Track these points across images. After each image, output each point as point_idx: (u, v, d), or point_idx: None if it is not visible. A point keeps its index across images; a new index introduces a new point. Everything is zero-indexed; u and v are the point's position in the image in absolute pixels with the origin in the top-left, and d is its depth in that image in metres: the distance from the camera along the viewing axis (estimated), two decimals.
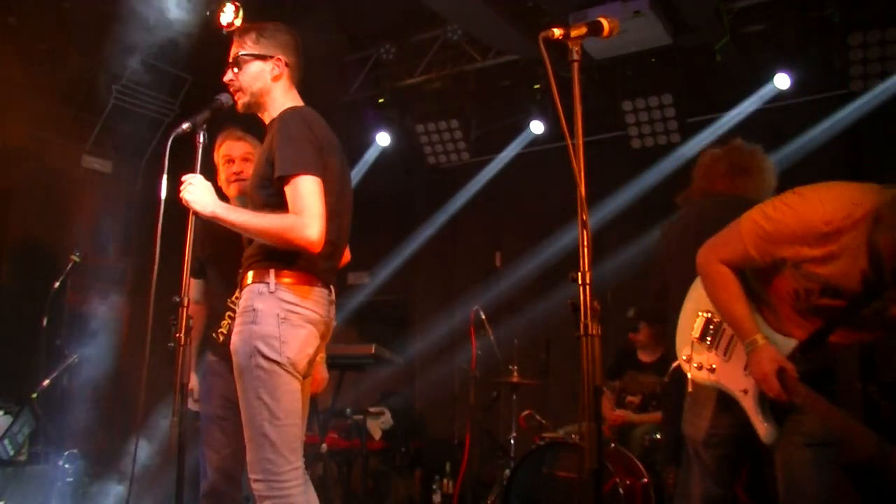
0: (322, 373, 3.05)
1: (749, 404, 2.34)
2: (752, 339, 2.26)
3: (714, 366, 2.45)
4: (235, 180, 3.14)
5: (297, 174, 2.28)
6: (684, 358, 2.55)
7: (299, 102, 2.54)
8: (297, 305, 2.36)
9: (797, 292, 2.22)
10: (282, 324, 2.33)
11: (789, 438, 2.35)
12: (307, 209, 2.27)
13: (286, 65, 2.52)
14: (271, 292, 2.35)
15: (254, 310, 2.34)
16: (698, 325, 2.53)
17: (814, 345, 2.23)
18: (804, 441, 2.32)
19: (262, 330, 2.31)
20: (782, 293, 2.28)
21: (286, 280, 2.36)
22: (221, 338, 3.19)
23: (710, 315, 2.50)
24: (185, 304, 2.25)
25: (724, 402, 2.46)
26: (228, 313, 3.15)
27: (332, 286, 2.51)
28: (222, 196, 2.96)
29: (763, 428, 2.30)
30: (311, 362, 2.48)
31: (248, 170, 3.00)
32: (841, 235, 2.07)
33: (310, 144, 2.34)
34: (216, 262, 3.18)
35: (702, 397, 2.54)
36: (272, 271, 2.36)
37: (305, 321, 2.37)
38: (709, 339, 2.49)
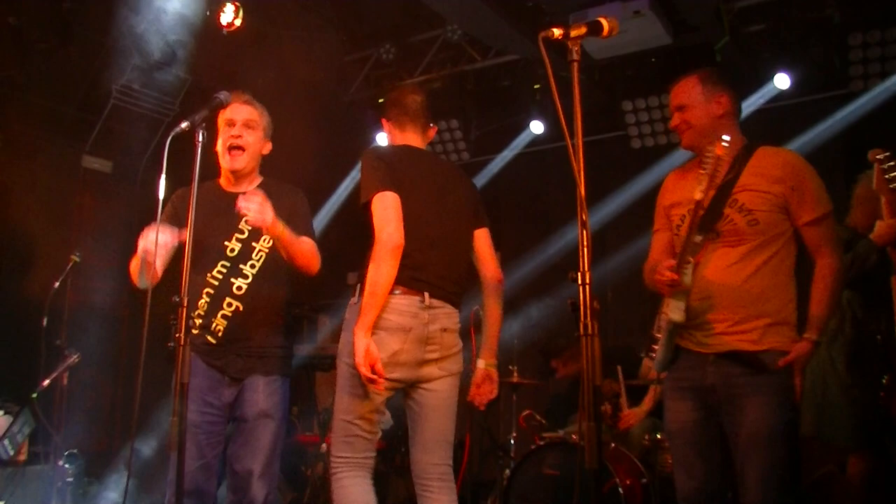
0: (481, 379, 2.97)
1: (668, 312, 2.59)
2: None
3: (660, 334, 2.68)
4: (232, 147, 2.87)
5: (370, 198, 2.59)
6: (652, 355, 2.75)
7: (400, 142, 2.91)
8: None
9: (678, 226, 2.71)
10: None
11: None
12: (376, 221, 2.55)
13: (388, 120, 3.04)
14: (354, 303, 2.63)
15: (346, 319, 2.68)
16: (657, 322, 2.78)
17: (694, 248, 2.55)
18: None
19: (346, 337, 2.63)
20: (676, 242, 2.71)
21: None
22: (198, 323, 2.85)
23: (661, 310, 2.74)
24: (185, 304, 2.23)
25: (681, 389, 2.61)
26: (206, 290, 2.85)
27: (426, 293, 2.65)
28: (216, 169, 2.95)
29: (667, 313, 2.58)
30: (411, 366, 2.65)
31: (249, 137, 2.91)
32: (685, 171, 2.81)
33: (375, 170, 2.63)
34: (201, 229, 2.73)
35: (663, 389, 2.74)
36: (358, 286, 2.64)
37: (379, 328, 2.55)
38: (659, 323, 2.73)
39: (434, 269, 2.67)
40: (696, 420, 2.57)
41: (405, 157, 2.76)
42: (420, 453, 2.76)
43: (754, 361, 2.45)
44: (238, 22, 5.11)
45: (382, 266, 2.51)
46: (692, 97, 2.72)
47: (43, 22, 5.45)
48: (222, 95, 2.48)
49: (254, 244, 2.90)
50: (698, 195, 2.47)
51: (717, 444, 2.58)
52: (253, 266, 2.88)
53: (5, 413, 4.57)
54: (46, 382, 4.39)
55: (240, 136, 2.88)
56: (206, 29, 5.22)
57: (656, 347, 2.70)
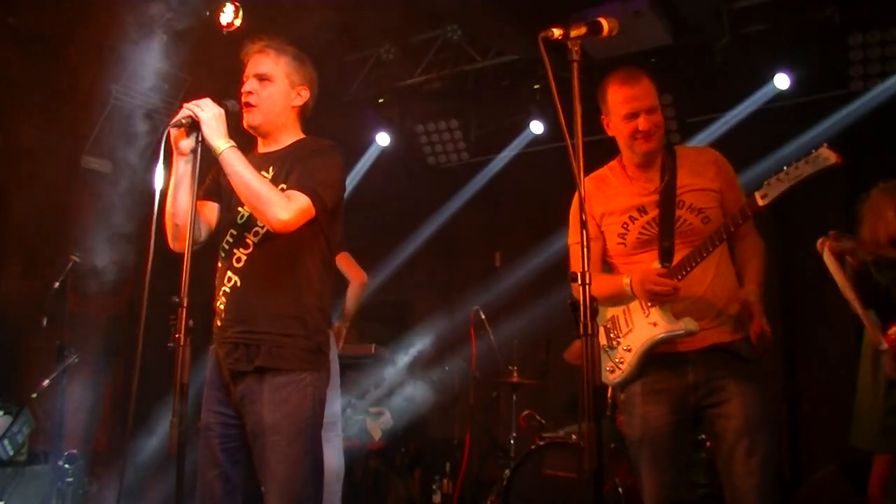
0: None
1: (662, 326, 2.48)
2: (625, 282, 2.54)
3: (628, 348, 2.56)
4: (245, 105, 2.55)
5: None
6: (608, 370, 2.63)
7: None
8: None
9: (621, 234, 2.61)
10: None
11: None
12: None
13: None
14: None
15: None
16: (603, 335, 2.66)
17: (666, 254, 2.52)
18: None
19: None
20: (618, 251, 2.64)
21: None
22: (220, 315, 2.51)
23: (606, 321, 2.67)
24: (185, 304, 2.19)
25: (655, 392, 2.53)
26: (218, 263, 2.57)
27: None
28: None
29: (682, 325, 2.45)
30: None
31: (262, 91, 2.55)
32: (605, 177, 2.77)
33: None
34: (227, 196, 2.56)
35: (630, 395, 2.62)
36: None
37: None
38: (612, 336, 2.63)
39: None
40: (672, 424, 2.51)
41: None
42: None
43: (735, 351, 2.49)
44: (238, 22, 5.10)
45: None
46: (655, 98, 2.57)
47: (43, 22, 5.45)
48: (229, 104, 2.43)
49: None
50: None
51: (689, 449, 2.60)
52: (256, 234, 2.46)
53: (5, 413, 4.57)
54: (46, 382, 4.39)
55: (250, 93, 2.54)
56: (206, 29, 5.22)
57: (621, 361, 2.57)
